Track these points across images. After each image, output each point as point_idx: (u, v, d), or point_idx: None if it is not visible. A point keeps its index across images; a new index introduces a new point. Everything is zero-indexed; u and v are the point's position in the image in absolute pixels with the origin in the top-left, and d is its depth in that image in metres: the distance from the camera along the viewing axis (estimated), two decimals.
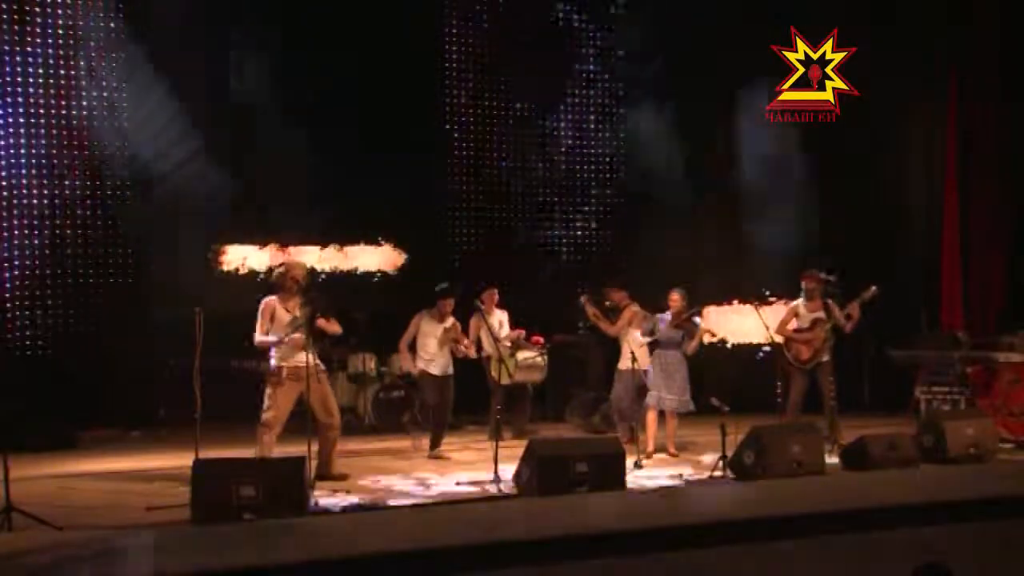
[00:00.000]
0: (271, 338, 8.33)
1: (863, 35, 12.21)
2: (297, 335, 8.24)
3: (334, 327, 8.65)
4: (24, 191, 11.60)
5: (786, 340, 9.93)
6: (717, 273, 12.50)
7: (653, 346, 9.92)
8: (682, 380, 9.80)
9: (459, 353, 10.00)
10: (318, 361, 8.45)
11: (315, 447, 8.08)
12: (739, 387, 10.64)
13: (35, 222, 11.66)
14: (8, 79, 11.40)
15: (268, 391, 8.36)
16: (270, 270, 10.60)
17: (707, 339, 10.11)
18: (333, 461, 8.59)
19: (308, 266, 9.87)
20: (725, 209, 13.36)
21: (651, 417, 9.81)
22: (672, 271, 11.15)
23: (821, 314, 9.84)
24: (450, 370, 9.90)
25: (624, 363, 10.08)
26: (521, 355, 11.25)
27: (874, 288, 9.76)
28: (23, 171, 11.57)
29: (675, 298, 9.89)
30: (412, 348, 10.02)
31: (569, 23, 14.11)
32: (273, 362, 8.39)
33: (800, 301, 10.07)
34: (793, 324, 9.98)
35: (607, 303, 10.63)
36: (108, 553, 5.84)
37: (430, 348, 9.81)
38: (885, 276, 10.66)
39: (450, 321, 9.88)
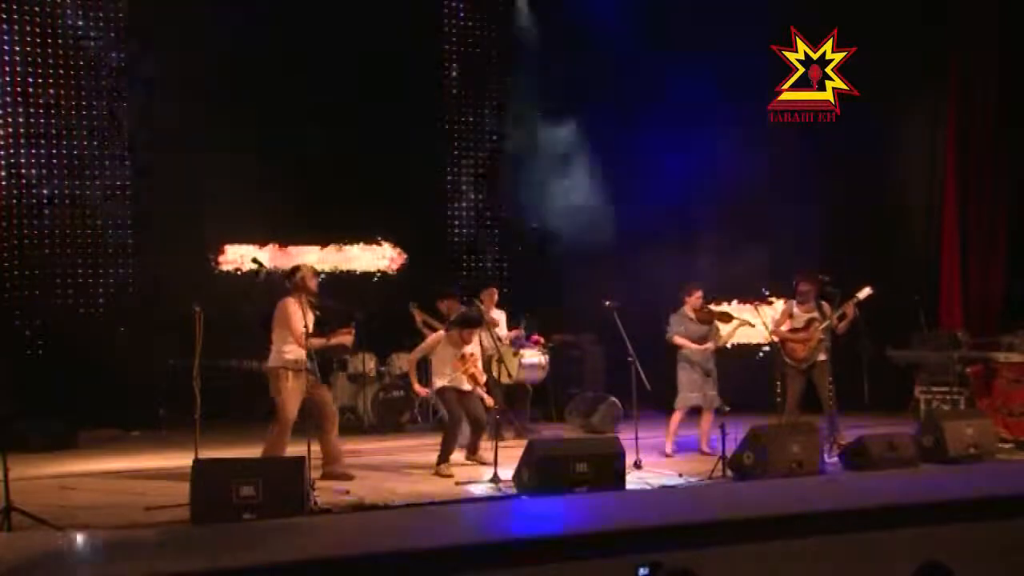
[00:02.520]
0: (317, 340, 8.29)
1: (863, 35, 12.22)
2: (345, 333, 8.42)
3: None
4: (24, 191, 11.62)
5: (781, 340, 9.93)
6: (716, 273, 12.48)
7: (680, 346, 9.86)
8: (715, 375, 9.85)
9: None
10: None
11: (315, 447, 8.07)
12: (739, 387, 10.63)
13: (35, 221, 11.69)
14: (8, 68, 11.45)
15: (283, 392, 8.28)
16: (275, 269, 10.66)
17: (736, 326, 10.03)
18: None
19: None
20: (724, 209, 13.36)
21: (677, 418, 9.85)
22: (675, 273, 11.15)
23: (815, 314, 9.84)
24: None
25: None
26: (527, 354, 11.26)
27: (868, 288, 9.75)
28: (23, 169, 11.59)
29: (698, 294, 9.92)
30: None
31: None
32: (287, 359, 8.32)
33: (795, 301, 10.07)
34: (787, 324, 9.98)
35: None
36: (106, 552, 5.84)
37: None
38: (885, 276, 10.65)
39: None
